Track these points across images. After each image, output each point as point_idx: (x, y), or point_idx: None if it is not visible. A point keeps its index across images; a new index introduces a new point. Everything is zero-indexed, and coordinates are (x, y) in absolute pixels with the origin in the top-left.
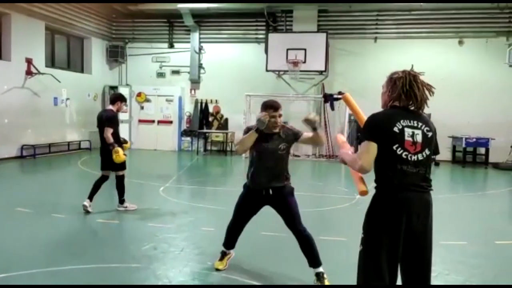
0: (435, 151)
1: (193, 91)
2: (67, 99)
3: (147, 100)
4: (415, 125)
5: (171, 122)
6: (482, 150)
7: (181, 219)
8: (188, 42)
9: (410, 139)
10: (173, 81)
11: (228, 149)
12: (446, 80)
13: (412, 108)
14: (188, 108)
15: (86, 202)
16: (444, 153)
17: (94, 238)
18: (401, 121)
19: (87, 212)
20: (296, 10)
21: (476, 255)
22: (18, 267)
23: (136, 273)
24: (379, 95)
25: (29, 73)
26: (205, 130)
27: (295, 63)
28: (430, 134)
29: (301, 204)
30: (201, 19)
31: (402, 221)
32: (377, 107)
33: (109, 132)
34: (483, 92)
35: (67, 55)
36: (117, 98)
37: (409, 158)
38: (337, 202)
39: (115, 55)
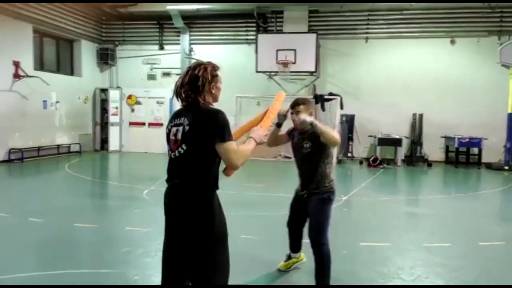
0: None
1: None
2: (57, 102)
3: (138, 103)
4: (179, 122)
5: (161, 124)
6: (475, 150)
7: (160, 222)
8: (178, 43)
9: (173, 137)
10: (164, 83)
11: None
12: (438, 80)
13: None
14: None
15: None
16: (437, 153)
17: (67, 242)
18: (172, 121)
19: None
20: (287, 11)
21: (458, 257)
22: None
23: (104, 278)
24: (371, 96)
25: (16, 76)
26: None
27: (285, 64)
28: (187, 128)
29: (286, 207)
30: (191, 21)
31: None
32: (370, 108)
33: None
34: (476, 92)
35: (56, 58)
36: None
37: (172, 156)
38: None
39: (106, 58)
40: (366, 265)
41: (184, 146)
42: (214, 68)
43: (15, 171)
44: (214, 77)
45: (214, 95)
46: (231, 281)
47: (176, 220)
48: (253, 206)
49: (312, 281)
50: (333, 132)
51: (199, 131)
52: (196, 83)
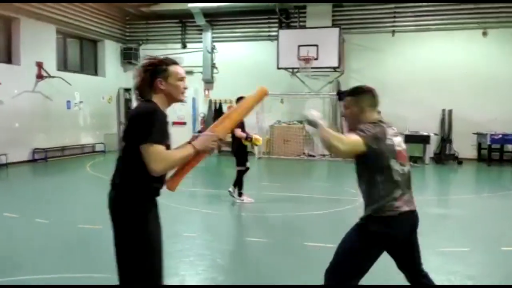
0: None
1: (206, 92)
2: (81, 102)
3: None
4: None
5: (185, 123)
6: (509, 147)
7: (172, 225)
8: (201, 42)
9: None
10: (186, 82)
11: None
12: (470, 74)
13: None
14: (202, 109)
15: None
16: (469, 151)
17: (69, 245)
18: None
19: (233, 196)
20: (310, 6)
21: (475, 263)
22: None
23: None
24: (398, 91)
25: (39, 76)
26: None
27: (307, 60)
28: (123, 127)
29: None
30: (213, 18)
31: None
32: (397, 104)
33: (238, 131)
34: (510, 86)
35: (80, 58)
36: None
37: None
38: (340, 203)
39: (129, 57)
40: (375, 271)
41: (121, 146)
42: (162, 62)
43: (35, 171)
44: (161, 72)
45: (166, 91)
46: None
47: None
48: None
49: None
50: (333, 138)
51: (127, 130)
52: (138, 84)
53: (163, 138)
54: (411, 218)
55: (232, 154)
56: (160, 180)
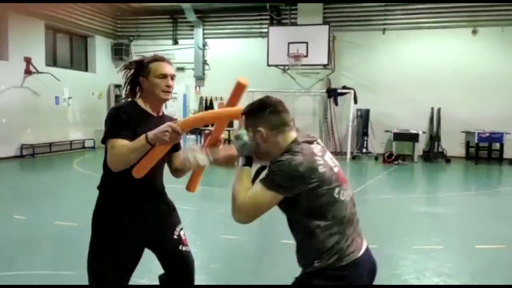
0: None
1: (197, 88)
2: (69, 98)
3: None
4: None
5: (175, 119)
6: (497, 146)
7: None
8: (192, 38)
9: None
10: (178, 78)
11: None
12: (459, 72)
13: None
14: (193, 105)
15: None
16: (457, 149)
17: (42, 241)
18: None
19: None
20: (301, 3)
21: (448, 261)
22: None
23: (65, 281)
24: (388, 89)
25: (28, 72)
26: (210, 128)
27: (297, 57)
28: None
29: None
30: (204, 15)
31: None
32: (386, 102)
33: None
34: (498, 84)
35: (70, 54)
36: None
37: None
38: None
39: (120, 53)
40: None
41: None
42: (143, 60)
43: (20, 167)
44: (143, 69)
45: (147, 89)
46: None
47: None
48: None
49: None
50: (239, 192)
51: None
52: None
53: (117, 132)
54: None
55: None
56: (135, 182)
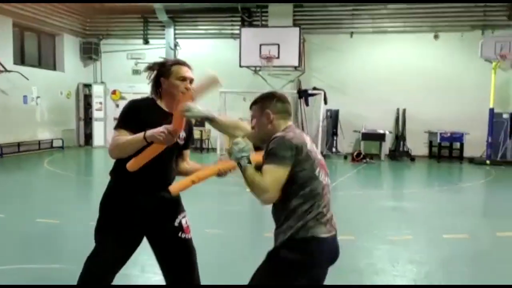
0: None
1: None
2: (38, 97)
3: (123, 98)
4: None
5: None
6: (458, 145)
7: None
8: (163, 38)
9: None
10: (191, 83)
11: (204, 146)
12: (422, 75)
13: None
14: None
15: None
16: (421, 148)
17: (27, 238)
18: None
19: None
20: (271, 5)
21: (418, 250)
22: None
23: (54, 274)
24: (356, 91)
25: None
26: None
27: (268, 59)
28: None
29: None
30: (176, 15)
31: None
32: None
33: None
34: (459, 87)
35: (38, 53)
36: None
37: None
38: None
39: (89, 52)
40: None
41: None
42: (166, 61)
43: None
44: (165, 71)
45: (167, 90)
46: None
47: None
48: None
49: None
50: (259, 181)
51: None
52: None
53: (124, 124)
54: (334, 245)
55: None
56: (145, 171)
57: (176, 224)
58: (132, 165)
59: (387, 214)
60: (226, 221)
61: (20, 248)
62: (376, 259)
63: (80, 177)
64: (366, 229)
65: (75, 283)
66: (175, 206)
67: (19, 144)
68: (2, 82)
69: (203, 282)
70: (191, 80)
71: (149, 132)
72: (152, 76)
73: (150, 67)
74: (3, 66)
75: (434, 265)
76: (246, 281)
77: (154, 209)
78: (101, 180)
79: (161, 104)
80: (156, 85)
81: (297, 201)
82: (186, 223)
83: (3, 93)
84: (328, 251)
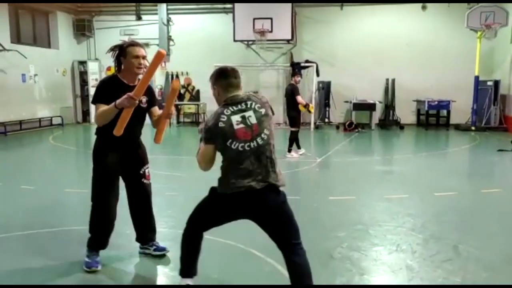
0: None
1: (163, 64)
2: (35, 75)
3: None
4: None
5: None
6: (444, 113)
7: None
8: (156, 14)
9: None
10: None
11: (200, 120)
12: (410, 46)
13: None
14: (159, 81)
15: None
16: (409, 117)
17: (60, 205)
18: None
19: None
20: None
21: (414, 206)
22: None
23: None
24: (347, 62)
25: None
26: (177, 102)
27: (262, 33)
28: None
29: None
30: None
31: None
32: (345, 74)
33: (299, 98)
34: (445, 56)
35: (33, 31)
36: (294, 74)
37: None
38: (297, 165)
39: (82, 29)
40: (331, 215)
41: None
42: (123, 44)
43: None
44: (122, 51)
45: (125, 67)
46: None
47: None
48: None
49: None
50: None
51: None
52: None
53: (99, 99)
54: (252, 196)
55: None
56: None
57: (141, 172)
58: (117, 131)
59: (382, 177)
60: None
61: (55, 214)
62: (377, 214)
63: (88, 151)
64: (365, 190)
65: None
66: (140, 158)
67: (21, 122)
68: (0, 61)
69: None
70: (144, 57)
71: (118, 101)
72: (114, 56)
73: (112, 49)
74: (1, 45)
75: (429, 217)
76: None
77: (127, 160)
78: None
79: (124, 79)
80: (118, 63)
81: (222, 164)
82: (148, 172)
83: (2, 71)
84: (234, 198)
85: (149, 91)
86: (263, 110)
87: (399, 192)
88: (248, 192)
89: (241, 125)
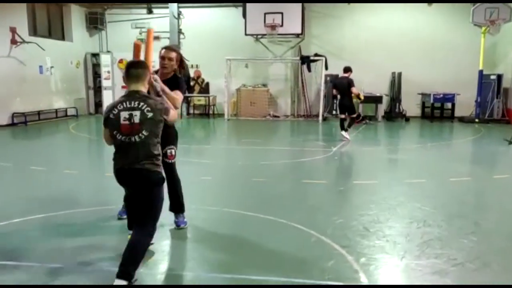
0: None
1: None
2: (51, 67)
3: None
4: None
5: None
6: (449, 106)
7: None
8: (167, 7)
9: None
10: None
11: (210, 112)
12: (416, 40)
13: None
14: None
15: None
16: (414, 109)
17: (102, 188)
18: None
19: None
20: None
21: (432, 189)
22: (39, 210)
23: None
24: (354, 56)
25: (14, 42)
26: (187, 94)
27: (273, 27)
28: None
29: (285, 157)
30: None
31: None
32: (353, 67)
33: (355, 89)
34: (451, 50)
35: (48, 23)
36: (348, 69)
37: None
38: (315, 154)
39: (95, 22)
40: (359, 196)
41: None
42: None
43: (24, 133)
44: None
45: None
46: None
47: None
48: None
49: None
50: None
51: None
52: None
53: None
54: (123, 173)
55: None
56: None
57: (163, 151)
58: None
59: (397, 164)
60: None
61: (98, 196)
62: (400, 195)
63: None
64: (385, 176)
65: None
66: (164, 139)
67: (39, 113)
68: (19, 53)
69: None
70: (170, 58)
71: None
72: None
73: None
74: (21, 38)
75: (448, 198)
76: None
77: None
78: None
79: (159, 75)
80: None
81: (114, 149)
82: (170, 153)
83: (21, 63)
84: (117, 175)
85: (176, 81)
86: (150, 114)
87: (417, 177)
88: (118, 170)
89: (126, 122)
